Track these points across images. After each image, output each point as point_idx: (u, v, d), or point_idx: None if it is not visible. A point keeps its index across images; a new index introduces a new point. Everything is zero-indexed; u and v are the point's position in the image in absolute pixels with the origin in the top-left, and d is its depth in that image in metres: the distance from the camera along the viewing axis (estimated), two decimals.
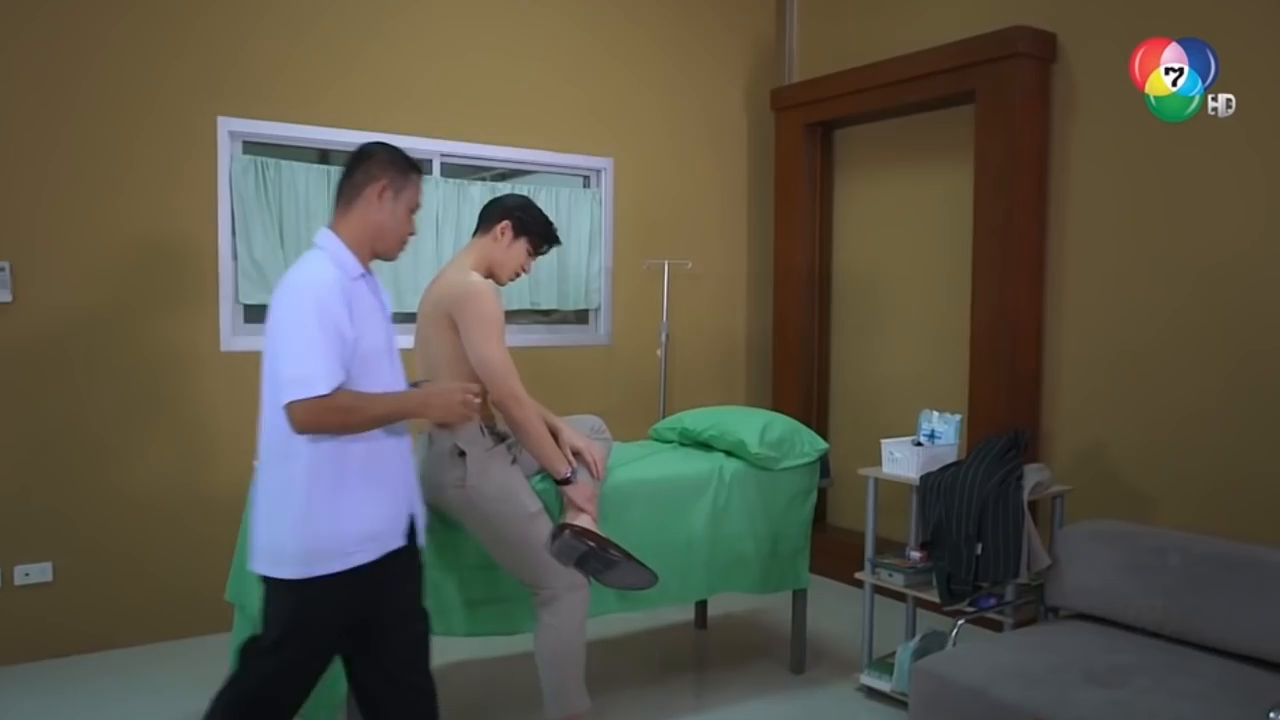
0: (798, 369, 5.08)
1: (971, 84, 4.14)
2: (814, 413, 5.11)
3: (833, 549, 4.67)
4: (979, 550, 3.03)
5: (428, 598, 2.82)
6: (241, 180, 3.90)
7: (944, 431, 3.47)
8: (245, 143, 3.97)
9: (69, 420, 3.62)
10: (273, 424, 2.14)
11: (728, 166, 5.25)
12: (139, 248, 3.72)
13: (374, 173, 2.23)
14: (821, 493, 5.06)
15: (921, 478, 3.28)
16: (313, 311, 2.07)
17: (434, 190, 4.36)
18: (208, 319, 3.86)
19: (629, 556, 2.87)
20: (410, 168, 2.29)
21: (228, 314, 3.91)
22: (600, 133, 4.81)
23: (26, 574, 3.56)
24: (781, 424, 3.53)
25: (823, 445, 3.58)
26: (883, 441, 3.50)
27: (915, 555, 3.39)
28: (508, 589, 2.93)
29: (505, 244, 2.87)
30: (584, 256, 4.81)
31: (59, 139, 3.57)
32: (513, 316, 4.68)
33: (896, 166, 4.83)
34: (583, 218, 4.80)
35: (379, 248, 2.28)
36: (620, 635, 3.96)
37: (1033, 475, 3.16)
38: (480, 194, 4.47)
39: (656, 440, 3.81)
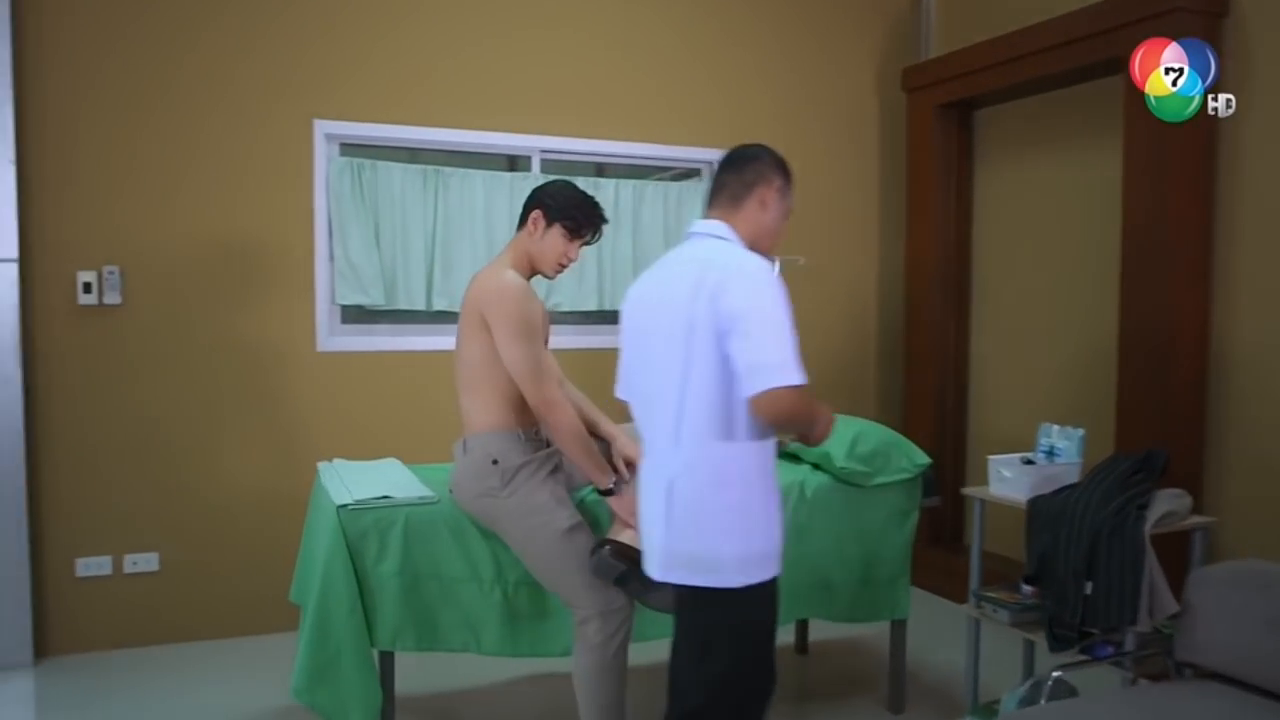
0: (931, 374, 4.65)
1: (1120, 49, 3.61)
2: (949, 422, 4.66)
3: (966, 572, 4.21)
4: (1087, 589, 2.59)
5: (469, 612, 2.73)
6: (338, 182, 3.94)
7: (1064, 448, 3.02)
8: (342, 145, 4.02)
9: (174, 417, 3.76)
10: (703, 424, 2.03)
11: (855, 155, 4.88)
12: (239, 250, 3.82)
13: (767, 174, 2.22)
14: (953, 511, 4.65)
15: (1030, 501, 2.85)
16: (780, 301, 2.02)
17: (534, 187, 4.25)
18: (304, 319, 3.92)
19: None
20: (790, 173, 2.30)
21: (324, 314, 3.96)
22: (712, 123, 4.57)
23: (135, 563, 3.73)
24: (877, 435, 3.17)
25: (924, 460, 3.19)
26: (989, 458, 3.08)
27: (1028, 589, 2.95)
28: (554, 606, 2.76)
29: (539, 235, 2.69)
30: None
31: (165, 147, 3.71)
32: (614, 317, 4.52)
33: (1042, 149, 4.30)
34: (693, 213, 4.57)
35: (759, 248, 2.20)
36: None
37: (1163, 503, 2.67)
38: None
39: None
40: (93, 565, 3.67)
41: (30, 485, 3.55)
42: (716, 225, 2.16)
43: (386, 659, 2.72)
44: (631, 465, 2.77)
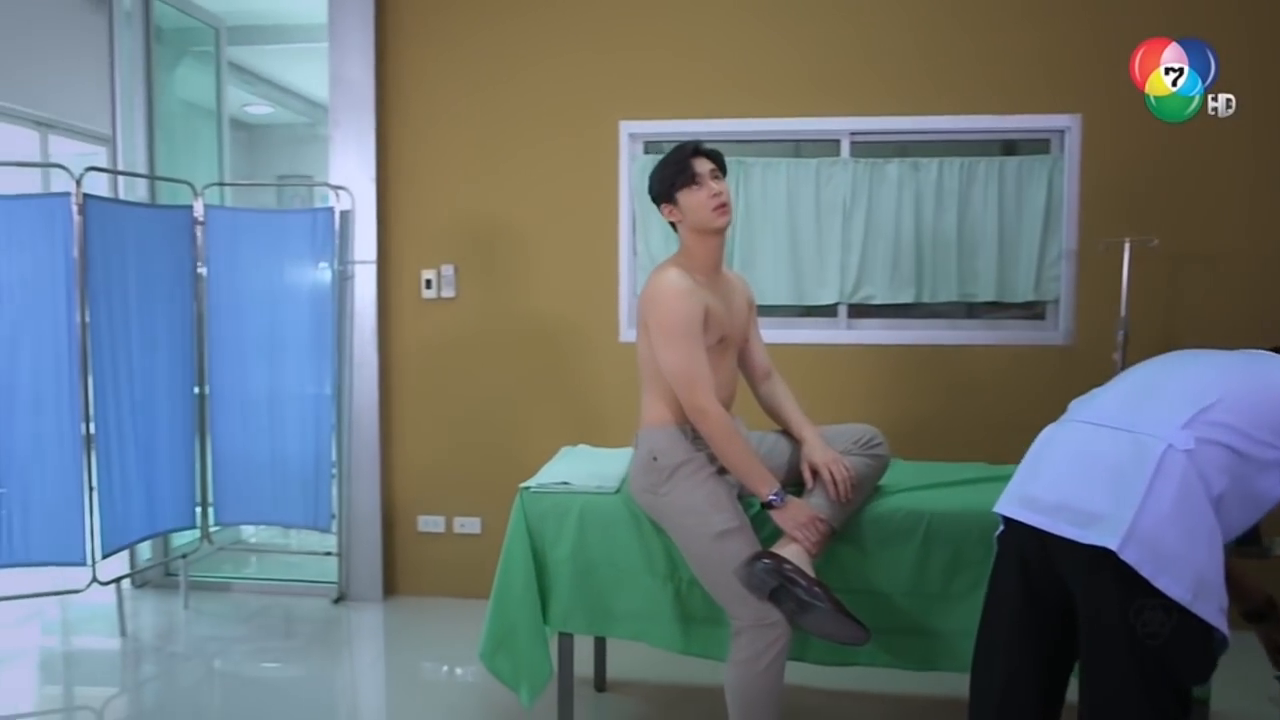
0: None
1: None
2: None
3: None
4: None
5: (642, 603, 2.70)
6: (641, 179, 4.07)
7: None
8: (646, 143, 4.16)
9: (496, 398, 4.21)
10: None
11: (1273, 105, 3.83)
12: (551, 247, 4.16)
13: None
14: None
15: None
16: None
17: (843, 172, 4.03)
18: (608, 311, 4.14)
19: (837, 604, 2.36)
20: None
21: (625, 307, 4.14)
22: (1060, 84, 3.91)
23: (462, 525, 4.26)
24: None
25: None
26: None
27: None
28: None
29: (680, 208, 2.58)
30: (1036, 238, 3.96)
31: (491, 159, 4.16)
32: (937, 309, 4.10)
33: None
34: (1036, 192, 3.96)
35: None
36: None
37: None
38: (898, 173, 4.00)
39: None
40: (430, 523, 4.27)
41: (383, 452, 4.23)
42: None
43: (566, 640, 2.79)
44: (816, 473, 2.54)
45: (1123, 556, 1.73)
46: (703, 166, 2.55)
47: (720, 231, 2.60)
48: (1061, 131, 3.96)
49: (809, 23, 4.00)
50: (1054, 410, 3.77)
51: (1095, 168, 3.92)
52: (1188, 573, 1.74)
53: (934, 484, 2.75)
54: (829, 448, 2.58)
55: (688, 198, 2.54)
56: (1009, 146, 4.09)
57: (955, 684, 2.83)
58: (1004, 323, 4.09)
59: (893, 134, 4.06)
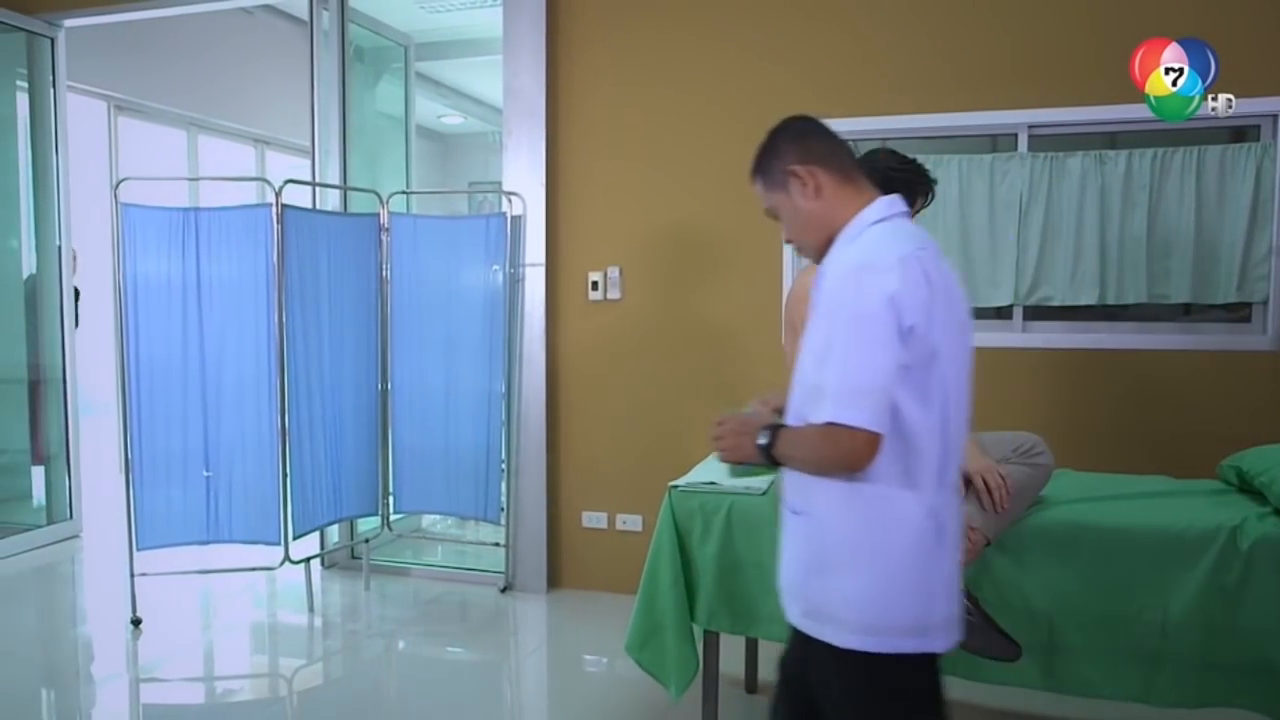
0: None
1: None
2: None
3: None
4: None
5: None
6: None
7: None
8: None
9: (658, 398, 4.26)
10: None
11: None
12: (715, 249, 4.17)
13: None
14: None
15: None
16: None
17: (1019, 167, 3.83)
18: (770, 313, 4.11)
19: (986, 617, 2.25)
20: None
21: (781, 312, 4.10)
22: (1265, 64, 3.57)
23: (624, 522, 4.34)
24: None
25: None
26: None
27: None
28: None
29: None
30: (1240, 233, 3.63)
31: (657, 159, 4.22)
32: (1122, 311, 3.83)
33: None
34: (1240, 183, 3.63)
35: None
36: None
37: None
38: (1081, 167, 3.77)
39: (1222, 480, 2.78)
40: (593, 519, 4.38)
41: (549, 449, 4.37)
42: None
43: (712, 638, 2.80)
44: (969, 482, 2.44)
45: None
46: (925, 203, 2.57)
47: None
48: (1274, 116, 3.61)
49: (981, 11, 3.83)
50: (1260, 420, 3.49)
51: None
52: None
53: (1106, 496, 2.58)
54: (983, 455, 2.46)
55: None
56: (1207, 135, 3.77)
57: (1126, 712, 2.67)
58: (1201, 326, 3.77)
59: (1077, 125, 3.82)
